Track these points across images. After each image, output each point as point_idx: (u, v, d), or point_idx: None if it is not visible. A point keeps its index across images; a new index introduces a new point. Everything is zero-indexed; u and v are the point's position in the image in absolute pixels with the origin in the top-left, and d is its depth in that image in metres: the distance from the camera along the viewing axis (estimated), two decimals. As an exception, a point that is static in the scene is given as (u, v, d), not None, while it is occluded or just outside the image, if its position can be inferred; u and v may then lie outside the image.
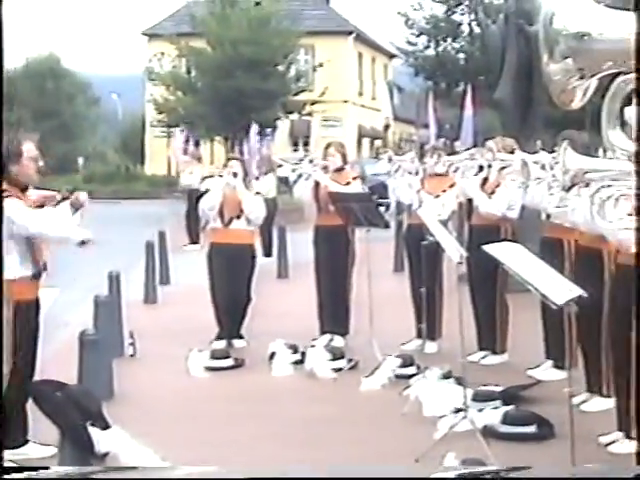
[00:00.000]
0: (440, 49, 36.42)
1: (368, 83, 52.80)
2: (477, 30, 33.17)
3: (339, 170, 9.87)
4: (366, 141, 52.31)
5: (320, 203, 9.84)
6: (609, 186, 5.48)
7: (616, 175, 4.93)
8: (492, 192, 8.72)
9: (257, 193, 10.00)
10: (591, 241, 6.98)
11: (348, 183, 9.79)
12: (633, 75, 3.29)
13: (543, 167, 7.53)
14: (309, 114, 32.11)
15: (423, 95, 35.03)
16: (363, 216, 8.84)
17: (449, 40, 36.72)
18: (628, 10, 3.25)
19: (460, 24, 36.22)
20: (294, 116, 32.58)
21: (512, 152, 8.38)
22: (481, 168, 8.82)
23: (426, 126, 37.36)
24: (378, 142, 52.80)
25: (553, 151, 8.09)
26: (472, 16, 34.63)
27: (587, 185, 5.53)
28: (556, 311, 8.19)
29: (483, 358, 8.97)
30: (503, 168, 8.38)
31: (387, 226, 9.37)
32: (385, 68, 56.20)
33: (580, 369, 8.11)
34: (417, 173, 9.55)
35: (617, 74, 3.35)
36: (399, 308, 10.27)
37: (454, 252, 6.77)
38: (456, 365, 7.84)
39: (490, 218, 8.73)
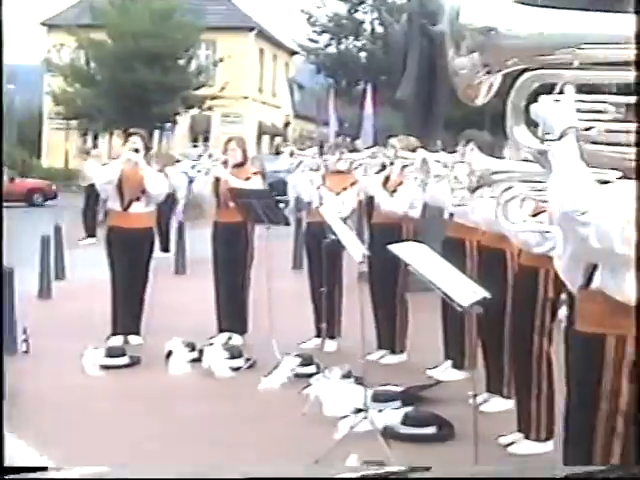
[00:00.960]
0: (342, 47, 36.58)
1: (269, 80, 52.66)
2: (379, 29, 33.42)
3: (239, 165, 9.72)
4: (266, 138, 52.18)
5: (220, 199, 9.68)
6: (512, 188, 5.48)
7: (522, 176, 4.91)
8: (394, 190, 8.67)
9: (159, 170, 9.81)
10: (493, 241, 6.97)
11: (248, 178, 9.64)
12: (540, 71, 3.24)
13: (445, 166, 7.50)
14: (209, 109, 31.82)
15: (324, 93, 35.09)
16: (263, 213, 8.71)
17: (351, 38, 36.89)
18: (539, 6, 3.20)
19: (362, 22, 36.41)
20: (194, 111, 32.29)
21: (414, 150, 8.34)
22: (383, 166, 8.77)
23: (326, 124, 37.46)
24: (278, 139, 52.72)
25: (454, 151, 8.10)
26: (374, 15, 34.75)
27: (490, 185, 5.47)
28: (456, 311, 8.26)
29: (382, 357, 8.92)
30: (405, 166, 8.34)
31: (287, 223, 9.26)
32: (286, 65, 56.15)
33: (480, 369, 8.15)
34: (318, 169, 9.46)
35: (523, 71, 3.29)
36: (298, 306, 10.16)
37: (356, 251, 6.69)
38: (355, 364, 7.81)
39: (392, 216, 8.67)
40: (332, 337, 9.38)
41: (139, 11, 28.05)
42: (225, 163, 9.63)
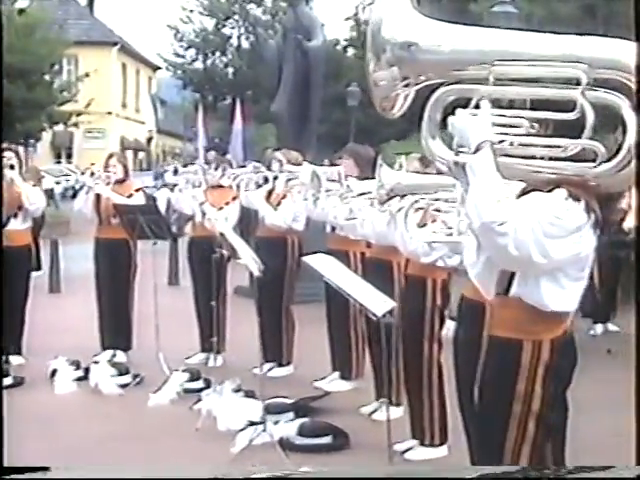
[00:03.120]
0: (208, 62, 36.50)
1: (132, 95, 52.25)
2: (245, 44, 33.55)
3: (121, 182, 9.65)
4: (129, 153, 51.70)
5: (101, 215, 9.59)
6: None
7: (430, 188, 5.06)
8: (278, 204, 8.76)
9: (34, 185, 9.66)
10: (380, 253, 7.12)
11: (131, 195, 9.58)
12: (457, 86, 3.37)
13: (334, 180, 7.63)
14: (75, 125, 31.35)
15: (190, 108, 35.03)
16: (149, 228, 8.68)
17: (218, 54, 36.86)
18: (458, 24, 3.33)
19: (229, 38, 36.43)
20: (59, 127, 31.78)
21: (298, 164, 8.44)
22: (266, 180, 8.85)
23: (191, 139, 37.33)
24: (141, 154, 52.34)
25: (334, 164, 8.25)
26: (241, 30, 34.87)
27: (401, 198, 5.60)
28: (342, 322, 8.40)
29: (269, 370, 8.97)
30: (290, 180, 8.44)
31: (174, 239, 9.27)
32: (149, 80, 55.80)
33: (366, 379, 8.29)
34: (200, 185, 9.47)
35: (439, 85, 3.41)
36: (179, 322, 10.15)
37: (252, 264, 6.74)
38: (243, 378, 7.87)
39: (276, 230, 8.76)
40: (218, 352, 9.38)
41: (3, 26, 27.48)
42: (107, 180, 9.54)
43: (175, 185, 10.10)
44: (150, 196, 13.95)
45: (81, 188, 9.83)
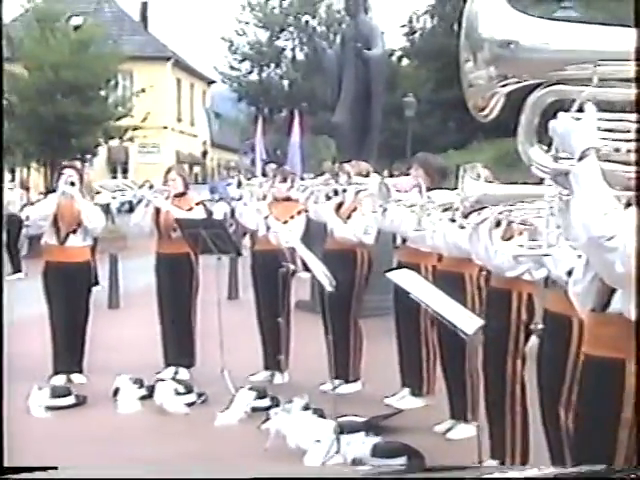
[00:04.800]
0: (264, 75, 36.43)
1: (187, 109, 52.40)
2: (300, 56, 33.45)
3: (181, 195, 9.49)
4: (184, 167, 51.81)
5: (161, 230, 9.43)
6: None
7: (517, 199, 4.80)
8: (348, 216, 8.53)
9: (95, 204, 9.54)
10: (452, 265, 6.88)
11: (191, 209, 9.42)
12: (558, 87, 3.11)
13: (402, 191, 7.39)
14: (130, 140, 31.40)
15: (246, 121, 34.95)
16: (212, 242, 8.48)
17: (272, 66, 36.79)
18: (559, 20, 3.09)
19: (283, 50, 36.34)
20: (115, 142, 31.84)
21: (367, 175, 8.21)
22: (336, 192, 8.63)
23: (246, 152, 37.27)
24: (196, 168, 52.43)
25: (407, 174, 8.00)
26: (296, 42, 34.76)
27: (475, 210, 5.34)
28: (412, 336, 8.14)
29: (336, 387, 8.72)
30: (359, 192, 8.21)
31: (239, 253, 9.06)
32: (204, 94, 55.96)
33: (437, 396, 8.02)
34: (265, 198, 9.27)
35: (536, 87, 3.15)
36: (241, 338, 9.93)
37: (324, 278, 6.51)
38: (309, 395, 7.65)
39: (346, 243, 8.52)
40: (281, 369, 9.17)
41: (57, 42, 27.62)
42: (167, 194, 9.38)
43: (238, 199, 9.87)
44: (208, 210, 13.83)
45: (139, 202, 9.65)
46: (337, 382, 8.74)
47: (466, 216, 5.55)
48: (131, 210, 19.96)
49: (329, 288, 6.52)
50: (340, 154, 13.81)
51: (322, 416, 7.38)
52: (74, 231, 9.27)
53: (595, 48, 3.01)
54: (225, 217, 17.20)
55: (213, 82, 53.14)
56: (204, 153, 54.30)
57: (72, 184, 9.26)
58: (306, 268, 6.82)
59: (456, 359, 7.01)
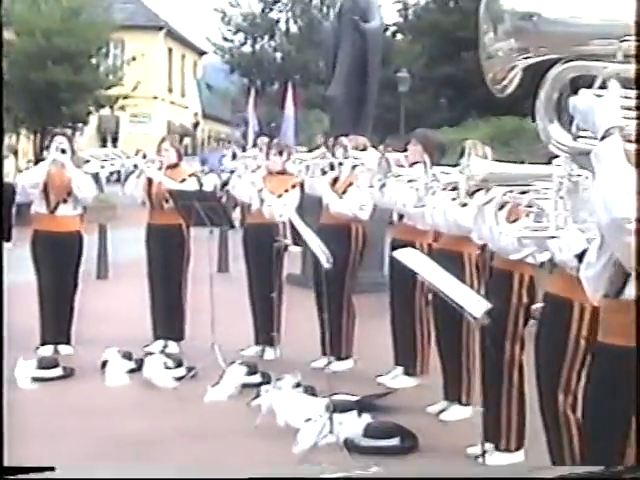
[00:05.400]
0: (257, 47, 36.17)
1: (178, 80, 52.06)
2: (294, 28, 33.19)
3: (174, 166, 9.32)
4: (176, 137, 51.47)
5: (153, 200, 9.27)
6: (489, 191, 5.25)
7: (523, 179, 4.66)
8: (344, 191, 8.38)
9: (85, 172, 9.37)
10: (451, 244, 6.75)
11: (184, 180, 9.26)
12: (580, 62, 2.96)
13: (400, 165, 7.25)
14: (121, 109, 31.11)
15: (237, 93, 34.69)
16: (206, 215, 8.32)
17: (266, 38, 36.50)
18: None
19: (277, 22, 36.07)
20: (106, 111, 31.56)
21: (365, 149, 8.06)
22: (332, 167, 8.47)
23: (237, 125, 37.00)
24: (187, 139, 52.12)
25: (404, 150, 7.86)
26: (289, 14, 34.47)
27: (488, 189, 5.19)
28: (406, 315, 8.01)
29: (328, 364, 8.60)
30: (355, 166, 8.05)
31: (232, 226, 8.91)
32: (195, 65, 55.61)
33: (431, 376, 7.91)
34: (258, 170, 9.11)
35: (555, 62, 3.00)
36: (231, 312, 9.77)
37: (321, 254, 6.37)
38: (299, 372, 7.54)
39: (341, 218, 8.37)
40: (272, 344, 9.05)
41: (49, 7, 27.29)
42: (160, 164, 9.22)
43: (232, 171, 9.69)
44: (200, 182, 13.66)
45: (131, 172, 9.48)
46: (328, 359, 8.64)
47: (471, 195, 5.41)
48: (119, 180, 19.74)
49: (326, 264, 6.38)
50: (333, 128, 13.63)
51: (313, 394, 7.27)
52: (64, 200, 9.11)
53: (621, 22, 2.86)
54: (215, 189, 17.04)
55: (205, 53, 52.78)
56: (195, 124, 53.97)
57: (63, 151, 9.11)
58: (296, 242, 6.66)
59: (452, 340, 6.91)
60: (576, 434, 5.11)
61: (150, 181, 9.21)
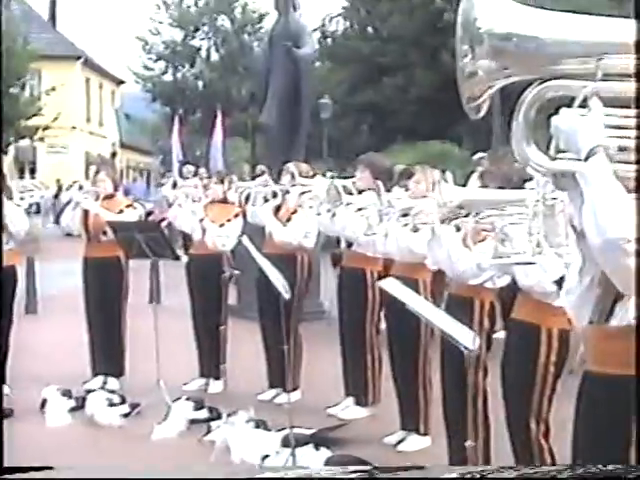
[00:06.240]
0: (178, 75, 35.96)
1: (95, 109, 51.48)
2: (215, 56, 33.06)
3: (110, 197, 9.07)
4: (93, 168, 50.82)
5: (90, 233, 9.00)
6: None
7: (496, 204, 4.57)
8: (288, 219, 8.21)
9: (21, 199, 9.05)
10: (404, 270, 6.64)
11: (121, 211, 9.00)
12: (558, 82, 2.88)
13: (350, 193, 7.13)
14: (41, 140, 30.66)
15: (159, 122, 34.39)
16: (147, 246, 8.09)
17: (187, 66, 36.32)
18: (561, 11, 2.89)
19: (199, 49, 35.91)
20: (25, 142, 31.07)
21: (313, 177, 7.93)
22: (274, 194, 8.31)
23: (164, 154, 36.65)
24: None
25: (351, 176, 7.75)
26: (210, 42, 34.35)
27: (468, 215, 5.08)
28: (357, 344, 7.86)
29: (275, 397, 8.43)
30: (303, 193, 7.91)
31: (177, 257, 8.67)
32: (112, 94, 55.07)
33: (383, 405, 7.78)
34: (200, 200, 8.91)
35: (531, 82, 2.94)
36: (168, 345, 9.53)
37: (279, 285, 6.21)
38: (245, 405, 7.36)
39: (285, 247, 8.19)
40: (217, 377, 8.85)
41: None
42: (96, 195, 8.96)
43: (170, 202, 9.45)
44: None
45: (67, 204, 9.20)
46: (275, 392, 8.48)
47: (449, 223, 5.30)
48: (39, 212, 19.22)
49: (286, 295, 6.20)
50: (267, 154, 13.53)
51: (266, 428, 7.09)
52: None
53: (598, 40, 2.81)
54: (140, 219, 16.74)
55: (123, 82, 52.37)
56: (113, 154, 53.40)
57: None
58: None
59: (408, 367, 6.80)
60: (549, 461, 5.03)
61: (86, 213, 8.94)
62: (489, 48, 2.87)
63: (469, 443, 4.86)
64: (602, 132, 2.77)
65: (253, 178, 10.56)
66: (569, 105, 2.89)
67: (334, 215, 7.07)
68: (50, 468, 2.41)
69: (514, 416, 5.08)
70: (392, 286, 5.08)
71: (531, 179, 4.31)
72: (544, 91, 2.95)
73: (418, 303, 4.88)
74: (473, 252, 5.21)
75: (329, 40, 39.90)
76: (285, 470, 5.88)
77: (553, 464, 5.00)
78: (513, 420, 5.10)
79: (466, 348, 4.55)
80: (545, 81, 2.94)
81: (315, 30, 39.45)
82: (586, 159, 2.75)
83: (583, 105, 2.83)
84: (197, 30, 35.65)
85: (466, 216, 4.87)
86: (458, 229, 5.41)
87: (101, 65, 52.27)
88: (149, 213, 17.52)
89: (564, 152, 2.87)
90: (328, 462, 6.21)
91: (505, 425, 5.23)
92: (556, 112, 2.93)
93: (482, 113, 3.10)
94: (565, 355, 4.98)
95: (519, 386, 5.04)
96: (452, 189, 4.74)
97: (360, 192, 7.31)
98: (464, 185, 8.03)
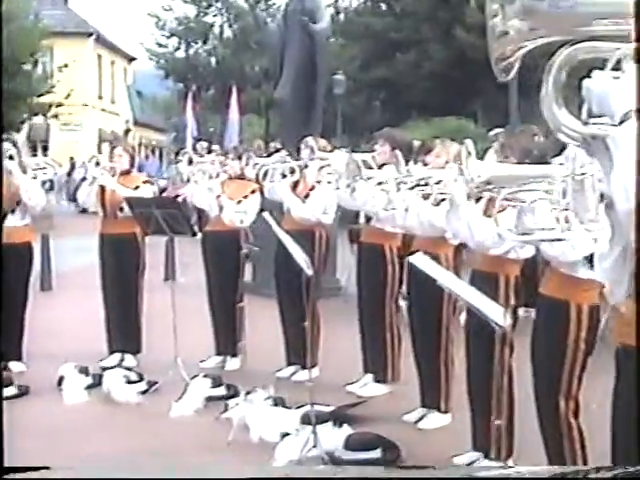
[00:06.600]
0: (191, 51, 35.80)
1: (108, 87, 51.38)
2: (228, 32, 32.91)
3: (126, 173, 8.97)
4: (106, 145, 50.76)
5: (106, 209, 8.91)
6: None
7: (524, 179, 4.47)
8: (306, 195, 8.11)
9: (33, 178, 8.96)
10: (426, 245, 6.52)
11: (137, 187, 8.91)
12: (591, 44, 2.76)
13: (370, 167, 7.04)
14: (55, 117, 30.55)
15: (171, 99, 34.26)
16: (165, 223, 8.01)
17: (200, 42, 36.14)
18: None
19: (212, 26, 35.73)
20: (39, 119, 30.99)
21: (331, 151, 7.83)
22: (292, 171, 8.20)
23: (177, 131, 36.54)
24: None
25: (371, 150, 7.65)
26: (224, 18, 34.18)
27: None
28: (376, 319, 7.77)
29: (293, 374, 8.36)
30: (322, 167, 7.80)
31: (194, 234, 8.59)
32: (125, 71, 54.94)
33: (403, 382, 7.71)
34: (217, 176, 8.81)
35: (563, 44, 2.81)
36: (185, 322, 9.46)
37: (302, 261, 6.12)
38: (263, 382, 7.29)
39: (304, 223, 8.10)
40: (234, 355, 8.78)
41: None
42: (112, 171, 8.86)
43: (187, 178, 9.32)
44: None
45: (82, 180, 9.12)
46: (293, 369, 8.41)
47: (477, 200, 5.19)
48: (52, 189, 19.15)
49: (309, 271, 6.11)
50: (282, 130, 13.42)
51: (284, 406, 7.02)
52: (12, 211, 8.70)
53: (633, 1, 2.69)
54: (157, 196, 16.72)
55: (134, 59, 52.23)
56: (126, 131, 53.33)
57: (10, 158, 8.67)
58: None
59: (430, 344, 6.72)
60: (578, 439, 4.94)
61: (103, 189, 8.86)
62: (520, 7, 2.77)
63: (496, 421, 4.75)
64: (636, 95, 2.67)
65: (268, 155, 10.42)
66: (601, 68, 2.79)
67: (354, 190, 6.96)
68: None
69: (543, 394, 4.99)
70: (422, 262, 4.98)
71: (561, 153, 4.21)
72: (575, 53, 2.84)
73: (448, 279, 4.79)
74: (505, 223, 5.08)
75: (342, 16, 39.69)
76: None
77: (582, 443, 4.93)
78: (542, 398, 5.00)
79: (497, 324, 4.46)
80: (576, 43, 2.83)
81: (329, 6, 39.29)
82: (620, 123, 2.64)
83: (616, 68, 2.73)
84: (210, 6, 35.42)
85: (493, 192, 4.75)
86: (478, 199, 5.29)
87: (113, 42, 52.12)
88: (163, 190, 17.46)
89: (596, 117, 2.77)
90: (348, 440, 6.12)
91: (530, 403, 5.15)
92: (588, 75, 2.83)
93: (511, 75, 2.99)
94: (595, 332, 4.88)
95: (548, 363, 4.95)
96: (479, 164, 4.64)
97: (380, 167, 7.20)
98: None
